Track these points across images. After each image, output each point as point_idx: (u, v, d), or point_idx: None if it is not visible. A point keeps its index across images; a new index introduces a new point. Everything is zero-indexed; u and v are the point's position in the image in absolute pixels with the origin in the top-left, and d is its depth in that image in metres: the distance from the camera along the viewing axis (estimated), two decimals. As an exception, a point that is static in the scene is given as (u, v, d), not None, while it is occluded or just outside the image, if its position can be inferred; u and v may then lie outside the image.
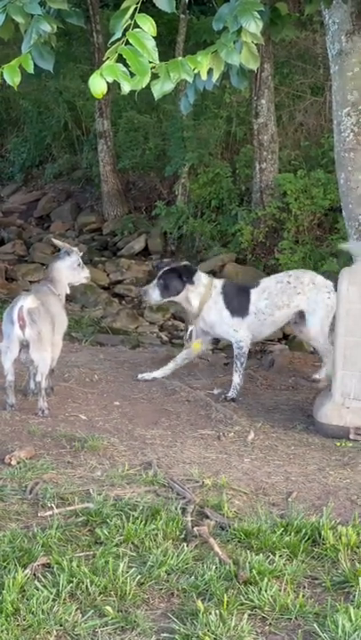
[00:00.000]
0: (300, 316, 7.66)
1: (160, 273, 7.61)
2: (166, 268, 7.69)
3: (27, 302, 6.51)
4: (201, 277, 7.51)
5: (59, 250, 7.40)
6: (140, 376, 7.71)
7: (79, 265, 7.24)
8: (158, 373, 7.73)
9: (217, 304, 7.46)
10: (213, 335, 7.72)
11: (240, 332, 7.48)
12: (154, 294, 7.53)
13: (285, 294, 7.54)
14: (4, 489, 5.19)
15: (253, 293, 7.56)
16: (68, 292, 7.28)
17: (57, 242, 7.60)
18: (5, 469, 5.48)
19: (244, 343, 7.49)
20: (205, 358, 9.14)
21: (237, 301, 7.51)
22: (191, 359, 7.86)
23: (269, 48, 13.42)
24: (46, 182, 18.52)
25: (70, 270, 7.20)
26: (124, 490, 5.22)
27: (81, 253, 7.37)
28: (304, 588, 4.22)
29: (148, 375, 7.72)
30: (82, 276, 7.31)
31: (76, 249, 7.32)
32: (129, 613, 3.89)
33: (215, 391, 7.54)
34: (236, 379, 7.44)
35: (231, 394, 7.39)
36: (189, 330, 7.72)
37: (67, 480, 5.36)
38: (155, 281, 7.59)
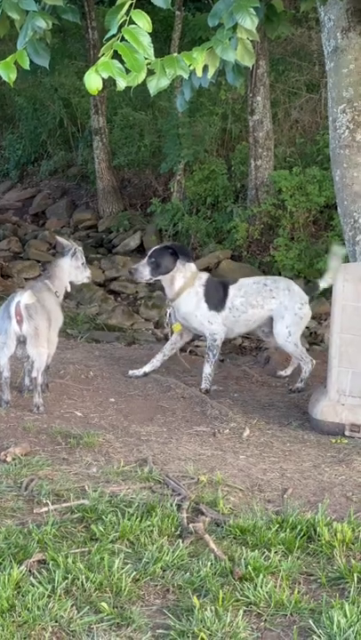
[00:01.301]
0: (270, 323, 7.70)
1: (151, 251, 7.64)
2: (158, 247, 7.75)
3: (24, 298, 6.51)
4: (191, 264, 7.61)
5: (54, 247, 7.41)
6: (130, 372, 7.74)
7: (83, 264, 7.27)
8: (148, 367, 7.75)
9: (197, 295, 7.52)
10: (186, 326, 7.71)
11: (214, 325, 7.55)
12: (145, 272, 7.55)
13: (260, 295, 7.63)
14: (0, 485, 5.18)
15: (232, 289, 7.63)
16: (69, 289, 7.29)
17: (62, 240, 7.58)
18: (0, 466, 5.48)
19: (218, 336, 7.56)
20: (201, 355, 9.15)
21: (216, 296, 7.58)
22: (177, 348, 7.89)
23: (265, 45, 13.40)
24: (41, 179, 18.48)
25: (74, 269, 7.23)
26: (119, 486, 5.23)
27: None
28: (299, 584, 4.22)
29: (138, 371, 7.73)
30: (84, 275, 7.34)
31: (80, 248, 7.34)
32: (124, 609, 3.89)
33: (214, 387, 7.55)
34: (207, 369, 7.49)
35: (204, 385, 7.44)
36: (168, 313, 7.77)
37: (62, 477, 5.36)
38: (145, 259, 7.62)
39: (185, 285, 7.51)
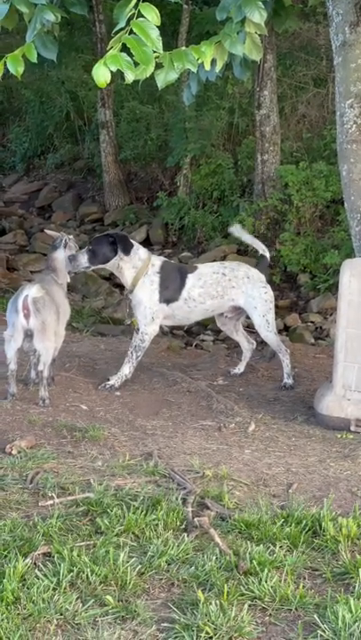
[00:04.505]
0: (235, 310, 7.67)
1: (92, 239, 7.50)
2: (99, 235, 7.59)
3: (32, 292, 6.51)
4: (139, 251, 7.32)
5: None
6: (102, 386, 7.27)
7: (77, 252, 7.25)
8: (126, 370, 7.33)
9: (152, 284, 7.28)
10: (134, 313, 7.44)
11: (152, 326, 7.31)
12: (82, 260, 7.22)
13: (220, 285, 7.45)
14: (5, 478, 5.19)
15: (190, 279, 7.41)
16: (69, 280, 7.28)
17: (52, 232, 7.57)
18: (6, 459, 5.49)
19: (148, 337, 7.32)
20: (207, 349, 9.15)
21: (172, 286, 7.35)
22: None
23: (272, 39, 13.37)
24: (48, 172, 18.49)
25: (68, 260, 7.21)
26: (124, 480, 5.23)
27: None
28: (304, 579, 4.22)
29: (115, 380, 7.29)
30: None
31: (71, 237, 7.30)
32: (129, 603, 3.89)
33: (220, 381, 7.55)
34: (125, 369, 7.27)
35: (113, 381, 7.23)
36: (127, 306, 7.58)
37: (67, 470, 5.37)
38: (85, 247, 7.40)
39: (138, 274, 7.26)
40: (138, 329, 7.34)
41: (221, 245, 13.60)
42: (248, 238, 8.45)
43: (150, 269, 7.29)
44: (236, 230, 8.42)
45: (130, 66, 4.71)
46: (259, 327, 7.55)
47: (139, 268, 7.26)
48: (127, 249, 7.22)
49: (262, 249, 7.92)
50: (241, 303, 7.50)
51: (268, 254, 7.93)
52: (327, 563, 4.36)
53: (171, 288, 7.35)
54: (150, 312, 7.29)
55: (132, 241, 7.36)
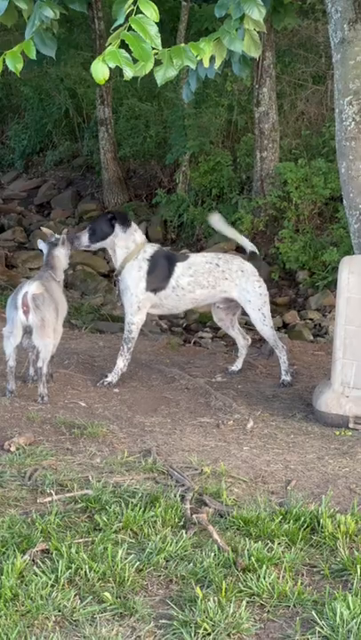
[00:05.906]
0: (228, 302, 7.65)
1: (93, 219, 7.50)
2: (99, 215, 7.58)
3: (32, 288, 6.52)
4: (136, 234, 7.35)
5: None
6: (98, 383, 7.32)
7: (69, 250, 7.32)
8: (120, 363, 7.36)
9: (140, 270, 7.26)
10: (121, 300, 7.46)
11: (138, 315, 7.30)
12: (84, 239, 7.34)
13: (212, 275, 7.41)
14: (4, 475, 5.19)
15: (179, 267, 7.37)
16: (63, 277, 7.31)
17: (47, 230, 7.56)
18: (4, 455, 5.49)
19: (135, 327, 7.32)
20: (205, 346, 9.14)
21: (160, 274, 7.33)
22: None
23: (271, 36, 13.38)
24: (47, 169, 18.49)
25: (66, 257, 7.23)
26: (123, 477, 5.23)
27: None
28: (303, 575, 4.22)
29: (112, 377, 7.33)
30: (67, 261, 7.36)
31: (66, 230, 7.33)
32: (127, 599, 3.89)
33: (218, 378, 7.55)
34: (120, 363, 7.29)
35: (110, 378, 7.24)
36: (116, 288, 7.55)
37: (66, 467, 5.37)
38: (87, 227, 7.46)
39: (128, 257, 7.26)
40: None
41: (220, 243, 13.60)
42: (230, 233, 8.19)
43: (141, 255, 7.29)
44: (215, 221, 8.15)
45: (128, 62, 4.71)
46: (255, 321, 7.55)
47: (130, 250, 7.28)
48: (125, 224, 7.28)
49: (249, 245, 7.87)
50: (234, 296, 7.48)
51: (256, 250, 7.88)
52: (325, 559, 4.36)
53: (159, 276, 7.32)
54: (136, 300, 7.28)
55: (132, 222, 7.39)
